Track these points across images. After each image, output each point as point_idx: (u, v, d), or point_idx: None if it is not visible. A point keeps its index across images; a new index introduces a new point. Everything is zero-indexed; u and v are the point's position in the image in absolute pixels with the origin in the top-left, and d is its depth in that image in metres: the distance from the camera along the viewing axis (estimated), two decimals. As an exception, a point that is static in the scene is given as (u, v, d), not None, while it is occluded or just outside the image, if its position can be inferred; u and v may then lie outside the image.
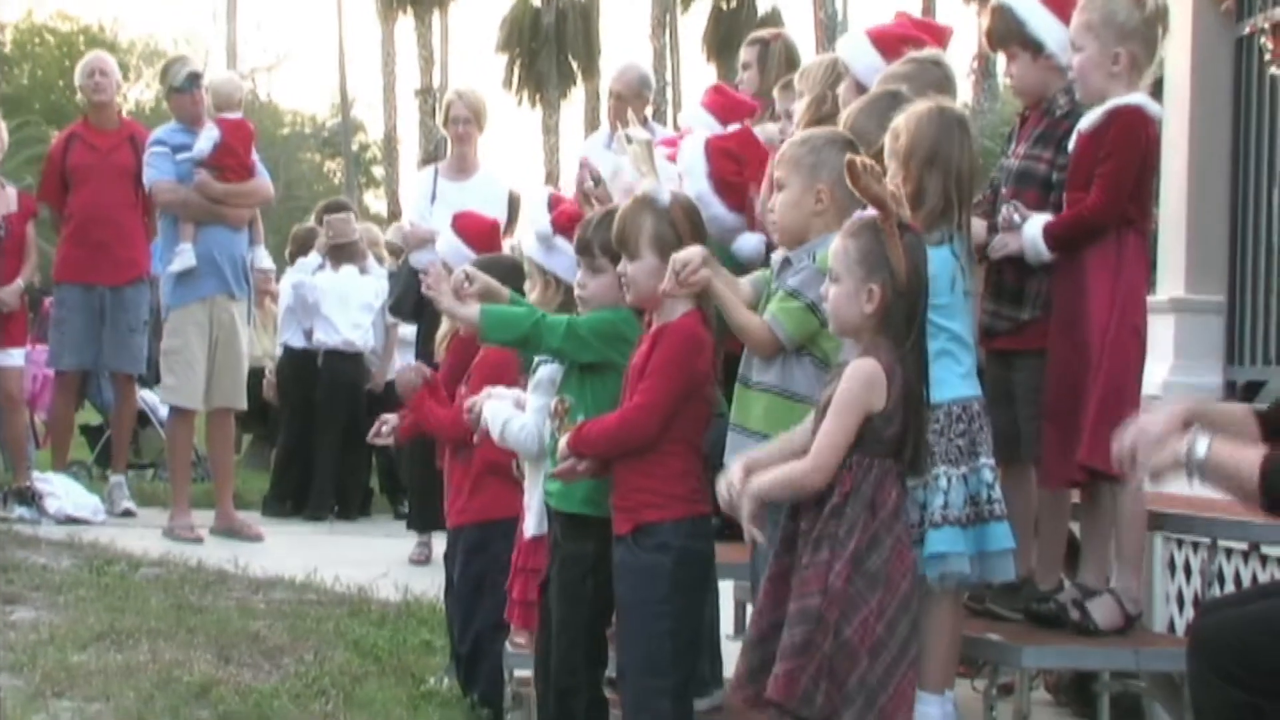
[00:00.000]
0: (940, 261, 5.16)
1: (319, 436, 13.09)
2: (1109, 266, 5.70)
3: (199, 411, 11.52)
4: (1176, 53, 8.10)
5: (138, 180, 11.72)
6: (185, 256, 11.06)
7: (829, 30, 39.30)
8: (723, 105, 7.11)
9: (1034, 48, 6.06)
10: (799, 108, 6.46)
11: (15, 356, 11.98)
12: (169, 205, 11.27)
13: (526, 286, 5.96)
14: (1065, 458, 5.71)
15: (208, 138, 11.23)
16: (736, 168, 6.62)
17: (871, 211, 4.55)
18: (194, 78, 11.53)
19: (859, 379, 4.48)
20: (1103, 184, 5.66)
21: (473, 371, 6.42)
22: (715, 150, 6.68)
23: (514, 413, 5.78)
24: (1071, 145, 5.80)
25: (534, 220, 6.38)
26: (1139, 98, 5.71)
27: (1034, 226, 5.71)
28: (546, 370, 5.68)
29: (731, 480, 4.62)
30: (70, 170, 11.84)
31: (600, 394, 5.28)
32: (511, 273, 6.22)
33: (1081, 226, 5.70)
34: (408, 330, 11.99)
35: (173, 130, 11.51)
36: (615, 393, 5.21)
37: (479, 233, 7.19)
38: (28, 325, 12.33)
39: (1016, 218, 5.78)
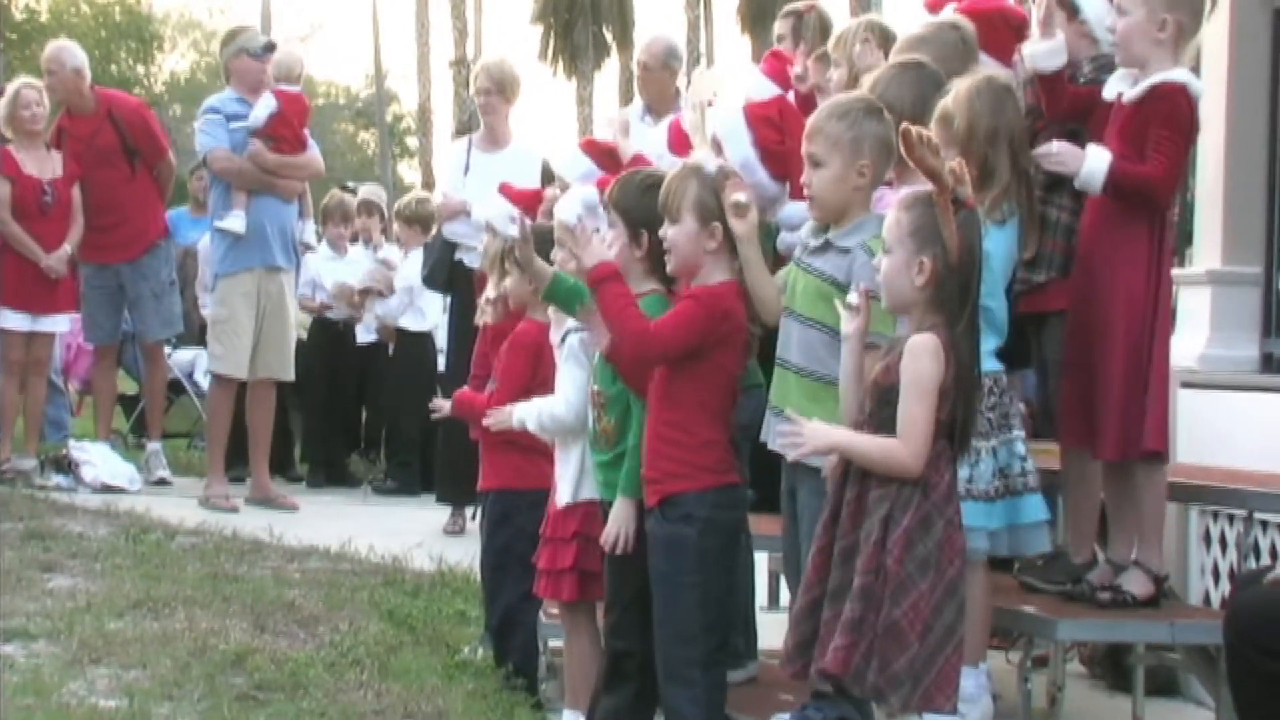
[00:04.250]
0: (1000, 241, 5.15)
1: (297, 399, 13.14)
2: (1144, 249, 5.67)
3: (239, 381, 11.54)
4: (1214, 24, 8.04)
5: (129, 152, 11.83)
6: (237, 220, 11.11)
7: (863, 2, 39.14)
8: (783, 71, 7.12)
9: (1069, 9, 6.05)
10: (836, 76, 6.45)
11: (55, 323, 12.03)
12: (223, 173, 11.31)
13: (554, 255, 5.94)
14: (1087, 424, 5.72)
15: (264, 107, 11.26)
16: (779, 136, 6.62)
17: (927, 185, 4.53)
18: (271, 47, 11.60)
19: (925, 356, 4.47)
20: (1165, 159, 5.62)
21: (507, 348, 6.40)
22: (757, 118, 6.68)
23: (540, 403, 5.81)
24: (1110, 97, 5.77)
25: (571, 174, 6.39)
26: (1183, 74, 5.67)
27: (1100, 160, 5.61)
28: (576, 338, 5.69)
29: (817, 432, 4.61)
30: (69, 160, 11.87)
31: None
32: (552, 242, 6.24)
33: (1147, 188, 5.65)
34: None
35: (227, 99, 11.52)
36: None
37: (527, 198, 7.21)
38: (75, 292, 12.35)
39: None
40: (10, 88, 11.95)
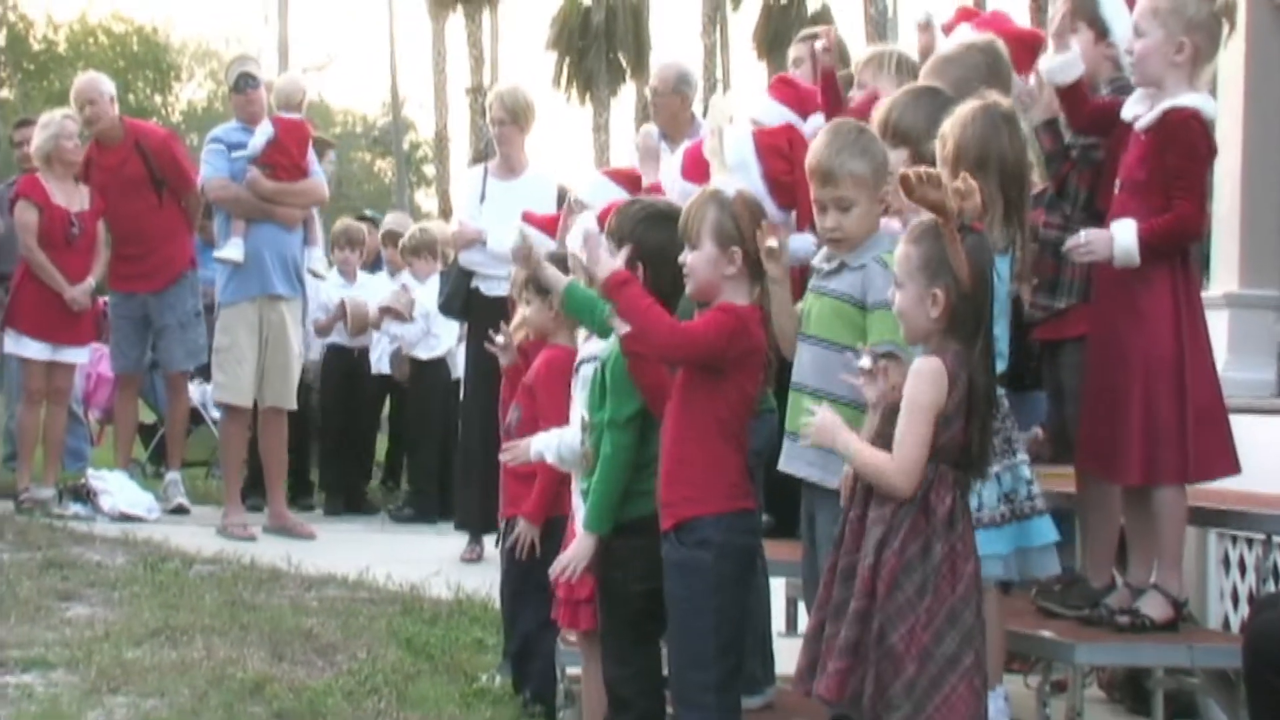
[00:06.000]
0: (1001, 269, 5.15)
1: (313, 429, 13.14)
2: (1165, 271, 5.67)
3: (249, 410, 11.57)
4: (1230, 49, 8.05)
5: (156, 183, 11.89)
6: (235, 249, 11.15)
7: (879, 26, 39.18)
8: (796, 97, 7.11)
9: (1099, 30, 6.05)
10: (860, 97, 6.51)
11: (75, 354, 12.06)
12: (220, 201, 11.38)
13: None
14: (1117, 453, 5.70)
15: (262, 134, 11.32)
16: (788, 167, 6.63)
17: (931, 216, 4.53)
18: (246, 78, 11.61)
19: (925, 378, 4.47)
20: (1190, 195, 5.64)
21: (534, 377, 6.39)
22: (766, 149, 6.69)
23: (559, 434, 5.81)
24: (1128, 118, 5.78)
25: (595, 201, 6.41)
26: (1195, 99, 5.67)
27: (1128, 233, 5.63)
28: (590, 369, 5.70)
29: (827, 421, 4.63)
30: (96, 191, 11.91)
31: (620, 406, 5.34)
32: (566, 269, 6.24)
33: (1183, 234, 5.68)
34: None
35: (230, 129, 11.61)
36: (636, 407, 5.29)
37: (549, 224, 7.22)
38: (96, 324, 12.38)
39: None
40: (52, 119, 11.95)
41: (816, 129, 6.74)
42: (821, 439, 4.67)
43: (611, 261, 5.18)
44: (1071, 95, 5.97)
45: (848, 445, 4.59)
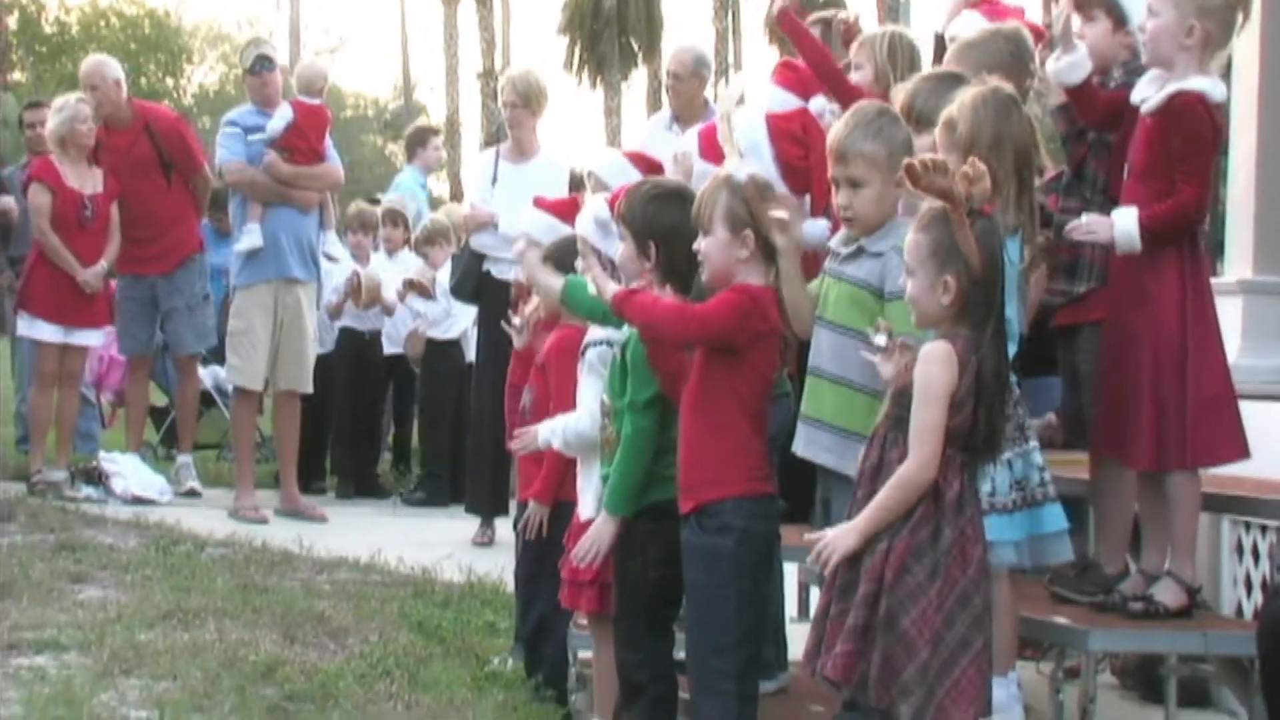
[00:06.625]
0: (1012, 251, 5.14)
1: (330, 414, 13.17)
2: (1173, 256, 5.67)
3: (262, 393, 11.59)
4: (1244, 33, 8.02)
5: (164, 165, 11.91)
6: (253, 236, 11.18)
7: (891, 11, 39.10)
8: (799, 80, 7.09)
9: (1117, 18, 6.04)
10: (858, 77, 6.51)
11: (88, 337, 12.07)
12: (237, 185, 11.41)
13: (579, 264, 5.96)
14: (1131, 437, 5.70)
15: (281, 118, 11.34)
16: (802, 152, 6.62)
17: (940, 202, 4.52)
18: (262, 60, 11.61)
19: (935, 362, 4.46)
20: (1193, 180, 5.63)
21: (545, 356, 6.38)
22: (779, 133, 6.67)
23: (564, 420, 5.81)
24: (1136, 102, 5.77)
25: (615, 180, 6.42)
26: (1202, 82, 5.65)
27: (1129, 219, 5.63)
28: (595, 353, 5.70)
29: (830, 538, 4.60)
30: (108, 173, 11.91)
31: (640, 389, 5.34)
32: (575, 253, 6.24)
33: (1184, 220, 5.67)
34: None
35: (247, 112, 11.62)
36: (656, 389, 5.29)
37: (562, 208, 7.20)
38: (110, 307, 12.39)
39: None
40: (66, 103, 11.92)
41: (820, 110, 6.77)
42: (843, 547, 4.60)
43: (612, 285, 5.22)
44: (1080, 95, 5.96)
45: (870, 520, 4.54)
